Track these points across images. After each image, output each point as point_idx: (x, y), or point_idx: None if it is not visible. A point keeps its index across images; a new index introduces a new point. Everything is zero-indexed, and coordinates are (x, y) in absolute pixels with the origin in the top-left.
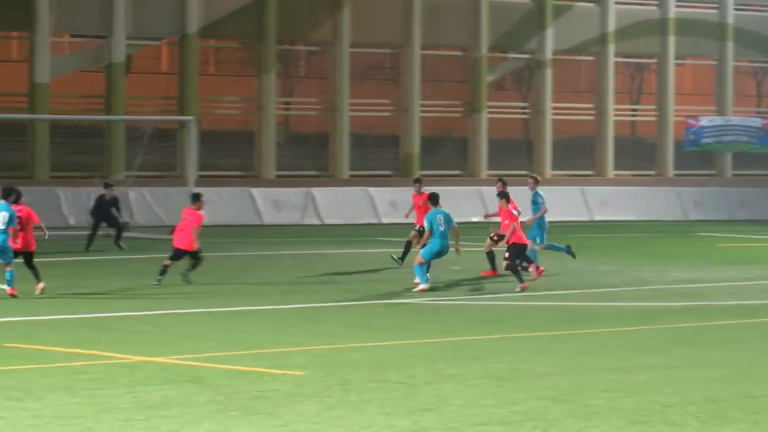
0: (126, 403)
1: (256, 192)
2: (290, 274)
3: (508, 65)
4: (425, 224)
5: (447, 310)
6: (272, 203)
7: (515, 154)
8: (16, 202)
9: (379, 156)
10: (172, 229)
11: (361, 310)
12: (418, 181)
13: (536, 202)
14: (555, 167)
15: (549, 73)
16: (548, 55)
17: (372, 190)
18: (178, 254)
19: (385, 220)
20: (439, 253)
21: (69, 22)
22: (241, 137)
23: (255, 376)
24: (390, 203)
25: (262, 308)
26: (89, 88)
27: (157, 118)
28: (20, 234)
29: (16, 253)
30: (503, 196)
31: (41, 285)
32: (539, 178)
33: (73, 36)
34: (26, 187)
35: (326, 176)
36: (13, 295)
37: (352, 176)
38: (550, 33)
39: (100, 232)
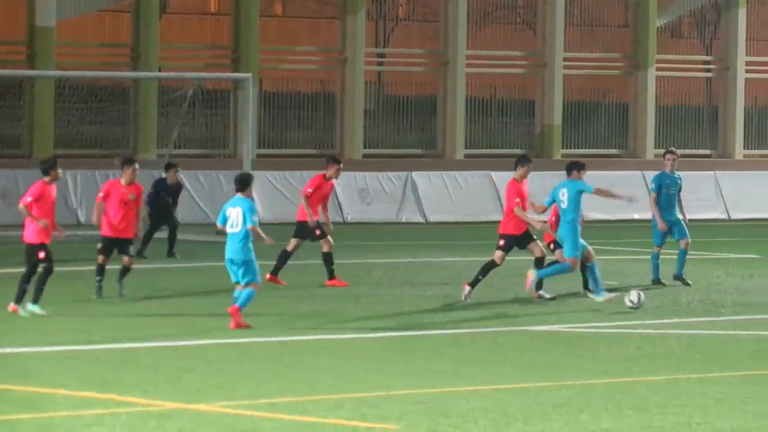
0: None
1: (342, 177)
2: (382, 289)
3: (686, 3)
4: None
5: (599, 340)
6: (358, 193)
7: (693, 127)
8: None
9: (508, 129)
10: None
11: (480, 339)
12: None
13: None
14: (749, 145)
15: (743, 14)
16: None
17: (497, 175)
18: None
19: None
20: None
21: None
22: (318, 102)
23: (332, 431)
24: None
25: (343, 337)
26: (109, 34)
27: (202, 75)
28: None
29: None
30: None
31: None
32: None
33: None
34: (22, 170)
35: (433, 156)
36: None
37: (468, 156)
38: None
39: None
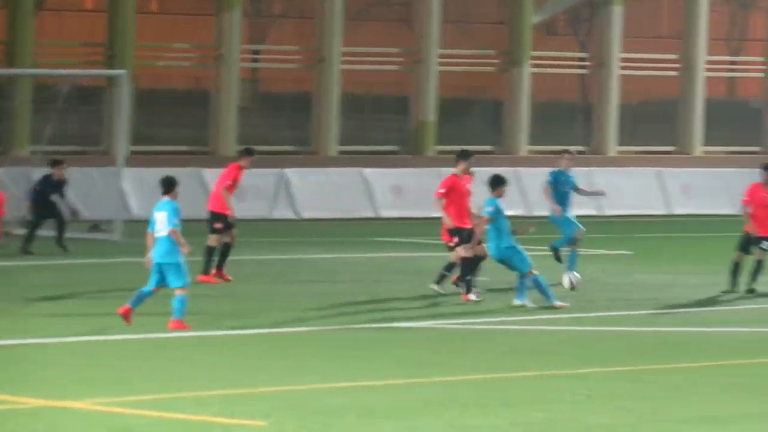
0: None
1: (210, 174)
2: (255, 286)
3: (561, 1)
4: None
5: (470, 336)
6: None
7: (568, 124)
8: None
9: (381, 125)
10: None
11: (348, 336)
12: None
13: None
14: (622, 141)
15: (617, 11)
16: None
17: (369, 172)
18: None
19: (385, 213)
20: None
21: None
22: (192, 99)
23: (199, 428)
24: (393, 190)
25: (211, 334)
26: None
27: (76, 72)
28: None
29: None
30: None
31: None
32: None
33: None
34: None
35: (307, 153)
36: None
37: (342, 153)
38: None
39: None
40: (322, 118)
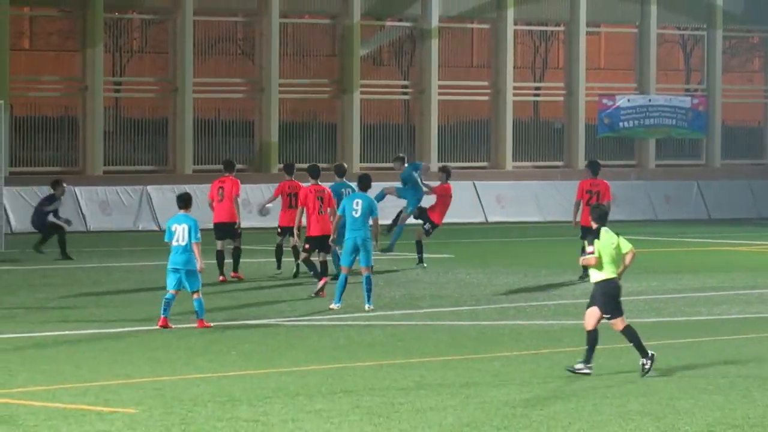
0: None
1: (80, 191)
2: (121, 290)
3: (386, 35)
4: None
5: (312, 331)
6: (99, 205)
7: (395, 143)
8: None
9: (230, 146)
10: None
11: (207, 333)
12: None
13: None
14: (442, 158)
15: (435, 44)
16: (434, 22)
17: (204, 187)
18: None
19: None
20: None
21: None
22: (62, 125)
23: (78, 416)
24: (242, 203)
25: (84, 332)
26: None
27: None
28: None
29: None
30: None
31: None
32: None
33: None
34: None
35: (165, 171)
36: None
37: (196, 171)
38: None
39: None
40: (178, 140)
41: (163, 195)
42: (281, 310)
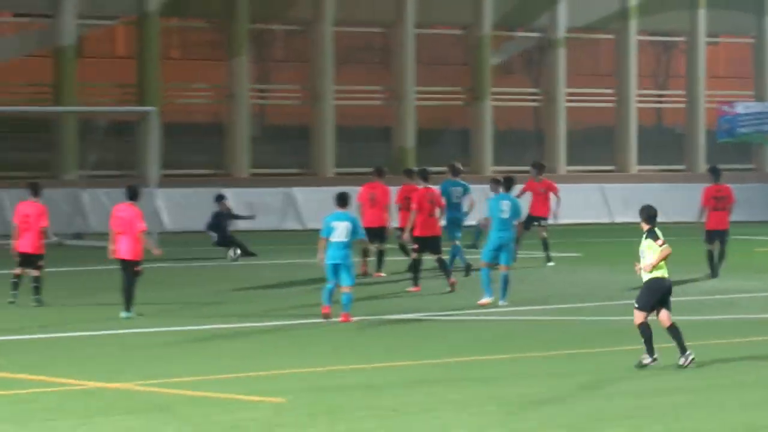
0: None
1: (229, 193)
2: (269, 286)
3: (516, 45)
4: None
5: (450, 325)
6: (246, 205)
7: (524, 148)
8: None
9: (369, 151)
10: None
11: (353, 327)
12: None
13: None
14: (570, 162)
15: (562, 53)
16: (561, 33)
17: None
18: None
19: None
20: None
21: (10, 0)
22: (210, 130)
23: (229, 404)
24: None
25: (236, 326)
26: (34, 75)
27: (113, 109)
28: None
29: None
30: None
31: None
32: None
33: (15, 15)
34: None
35: (308, 174)
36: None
37: (337, 174)
38: (563, 8)
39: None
40: (319, 144)
41: (307, 196)
42: (421, 306)
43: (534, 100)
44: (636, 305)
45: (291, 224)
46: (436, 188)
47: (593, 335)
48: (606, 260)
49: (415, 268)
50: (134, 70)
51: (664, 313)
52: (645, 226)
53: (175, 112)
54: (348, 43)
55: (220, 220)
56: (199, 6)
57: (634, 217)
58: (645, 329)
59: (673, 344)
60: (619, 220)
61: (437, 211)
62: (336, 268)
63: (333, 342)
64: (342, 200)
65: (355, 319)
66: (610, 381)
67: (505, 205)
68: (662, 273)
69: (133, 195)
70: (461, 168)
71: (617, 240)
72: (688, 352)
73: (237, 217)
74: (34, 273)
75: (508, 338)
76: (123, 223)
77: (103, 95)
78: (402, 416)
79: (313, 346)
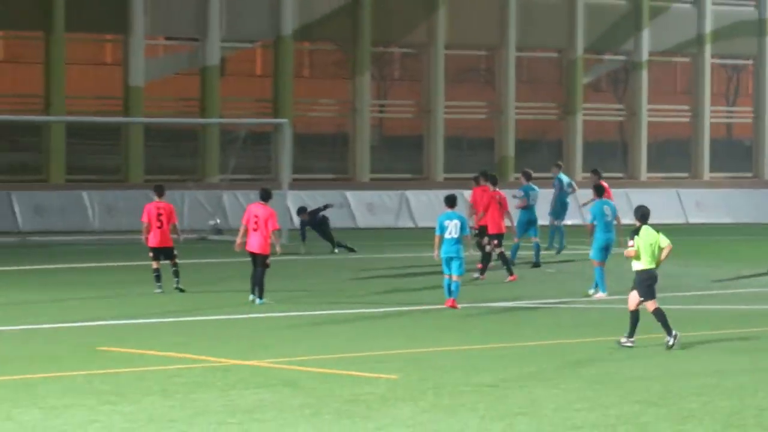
0: (219, 407)
1: (350, 195)
2: (384, 277)
3: (604, 67)
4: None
5: (541, 312)
6: (366, 206)
7: (610, 157)
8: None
9: (474, 158)
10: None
11: (455, 313)
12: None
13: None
14: (650, 169)
15: (645, 74)
16: (644, 56)
17: (467, 192)
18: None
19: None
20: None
21: (163, 25)
22: (336, 140)
23: (349, 380)
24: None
25: (355, 312)
26: (183, 91)
27: (251, 120)
28: (159, 230)
29: (156, 250)
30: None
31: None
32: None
33: (167, 39)
34: (119, 191)
35: (420, 179)
36: None
37: (446, 179)
38: (646, 34)
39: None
40: (431, 153)
41: (419, 198)
42: (516, 295)
43: (619, 115)
44: (641, 299)
45: (405, 223)
46: (502, 192)
47: (671, 322)
48: (682, 256)
49: (488, 259)
50: (270, 86)
51: (635, 295)
52: (637, 224)
53: (305, 123)
54: (457, 64)
55: (304, 227)
56: (327, 31)
57: (706, 218)
58: (635, 315)
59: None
60: (692, 221)
61: (504, 212)
62: (449, 261)
63: (438, 325)
64: (451, 201)
65: (461, 306)
66: (684, 360)
67: (608, 210)
68: (649, 265)
69: (266, 196)
70: (532, 174)
71: (691, 239)
72: (674, 332)
73: (317, 213)
74: (172, 262)
75: (592, 324)
76: (257, 221)
77: (242, 109)
78: (499, 391)
79: (421, 329)
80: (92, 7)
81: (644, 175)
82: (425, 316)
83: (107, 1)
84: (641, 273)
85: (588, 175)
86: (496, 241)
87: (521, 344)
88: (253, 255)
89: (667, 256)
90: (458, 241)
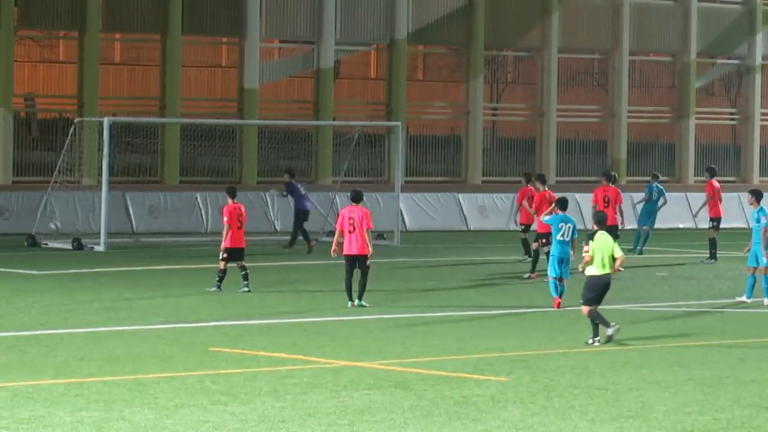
0: (330, 408)
1: (463, 197)
2: (496, 279)
3: (717, 71)
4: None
5: (651, 315)
6: (478, 209)
7: (723, 160)
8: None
9: (586, 161)
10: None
11: (566, 315)
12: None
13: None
14: (763, 173)
15: (758, 78)
16: (758, 60)
17: (579, 195)
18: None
19: (589, 226)
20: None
21: (279, 28)
22: (448, 142)
23: (459, 382)
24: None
25: (466, 313)
26: (298, 93)
27: (365, 123)
28: (238, 231)
29: (230, 251)
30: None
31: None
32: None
33: (282, 42)
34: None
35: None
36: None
37: (558, 182)
38: (759, 38)
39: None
40: (543, 156)
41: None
42: (628, 297)
43: (732, 119)
44: (581, 301)
45: (516, 225)
46: (551, 192)
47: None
48: None
49: (536, 258)
50: (384, 89)
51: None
52: (594, 228)
53: (418, 126)
54: (570, 68)
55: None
56: (441, 34)
57: None
58: (595, 316)
59: None
60: None
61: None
62: (561, 262)
63: (548, 328)
64: (564, 204)
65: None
66: None
67: (765, 219)
68: (601, 271)
69: (358, 197)
70: (617, 176)
71: None
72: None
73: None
74: (240, 265)
75: (700, 328)
76: (353, 223)
77: (356, 111)
78: (610, 394)
79: (531, 330)
80: (209, 10)
81: (757, 178)
82: (536, 317)
83: (224, 5)
84: (593, 278)
85: (701, 178)
86: (543, 240)
87: (632, 347)
88: (351, 258)
89: (620, 266)
90: (569, 243)
